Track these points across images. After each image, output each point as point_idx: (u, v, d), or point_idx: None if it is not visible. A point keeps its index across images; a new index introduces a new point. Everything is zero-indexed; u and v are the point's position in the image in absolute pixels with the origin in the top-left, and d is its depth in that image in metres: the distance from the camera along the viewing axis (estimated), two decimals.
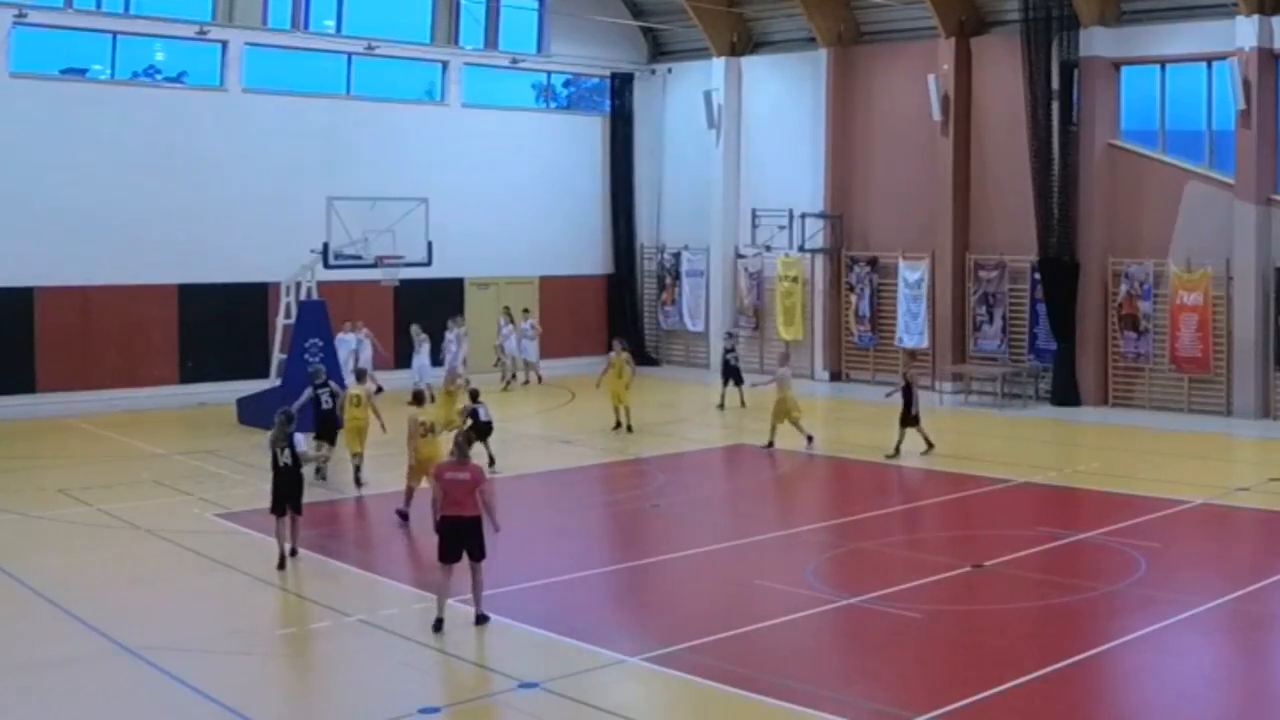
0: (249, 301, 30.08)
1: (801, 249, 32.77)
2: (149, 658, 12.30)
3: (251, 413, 25.54)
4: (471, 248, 32.90)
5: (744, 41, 35.05)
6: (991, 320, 30.04)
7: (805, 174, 33.31)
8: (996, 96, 29.77)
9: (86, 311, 28.62)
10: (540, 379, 32.66)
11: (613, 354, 26.35)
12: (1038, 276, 28.84)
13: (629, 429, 25.48)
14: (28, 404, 27.47)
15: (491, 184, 34.00)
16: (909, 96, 31.02)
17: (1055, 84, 28.05)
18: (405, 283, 27.72)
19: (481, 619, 13.23)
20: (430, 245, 26.60)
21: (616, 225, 36.94)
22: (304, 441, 16.31)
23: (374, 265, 26.14)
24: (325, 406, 20.69)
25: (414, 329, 29.65)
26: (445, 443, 20.60)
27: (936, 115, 30.28)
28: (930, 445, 22.74)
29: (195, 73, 31.09)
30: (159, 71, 30.90)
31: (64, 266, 28.11)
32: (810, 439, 23.60)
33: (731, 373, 28.78)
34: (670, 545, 17.27)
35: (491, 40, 34.83)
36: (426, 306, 30.99)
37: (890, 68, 32.00)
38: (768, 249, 33.12)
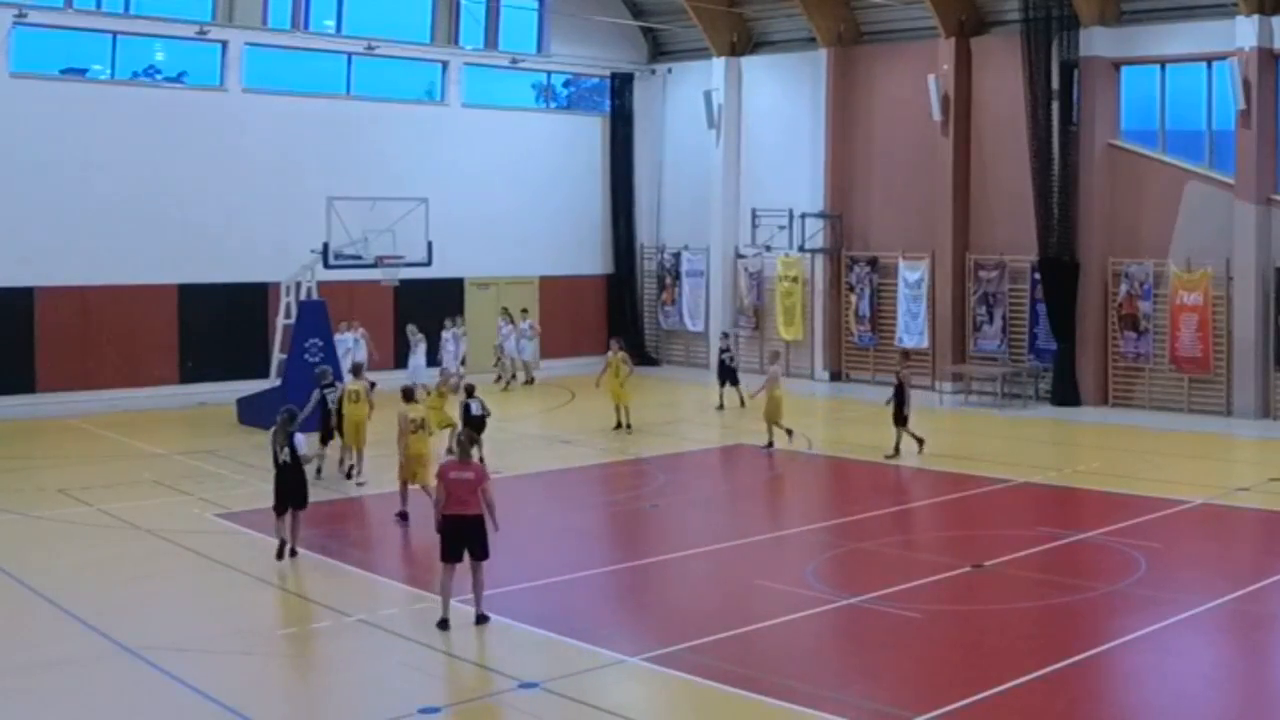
0: (249, 301, 30.09)
1: (801, 249, 32.77)
2: (149, 658, 12.30)
3: (251, 413, 25.55)
4: (471, 248, 32.90)
5: (744, 41, 35.05)
6: (991, 320, 30.05)
7: (805, 174, 33.31)
8: (996, 96, 29.77)
9: (86, 311, 28.62)
10: (532, 380, 32.66)
11: (610, 354, 26.40)
12: (1038, 276, 28.84)
13: (628, 428, 25.50)
14: (28, 404, 27.47)
15: (491, 184, 34.00)
16: (909, 96, 31.02)
17: (1055, 84, 28.05)
18: (405, 283, 27.72)
19: (482, 619, 13.23)
20: (430, 245, 26.61)
21: (616, 225, 36.95)
22: (305, 443, 16.30)
23: (374, 265, 26.14)
24: (332, 408, 20.80)
25: (410, 329, 29.68)
26: (439, 441, 20.77)
27: (936, 115, 30.28)
28: (920, 442, 22.71)
29: (195, 73, 31.09)
30: (159, 71, 30.90)
31: (64, 266, 28.11)
32: (790, 432, 23.62)
33: (727, 373, 28.81)
34: (670, 545, 17.28)
35: (491, 40, 34.83)
36: (426, 306, 30.99)
37: (890, 68, 32.01)
38: (768, 249, 33.13)
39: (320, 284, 26.63)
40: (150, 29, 29.73)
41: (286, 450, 15.94)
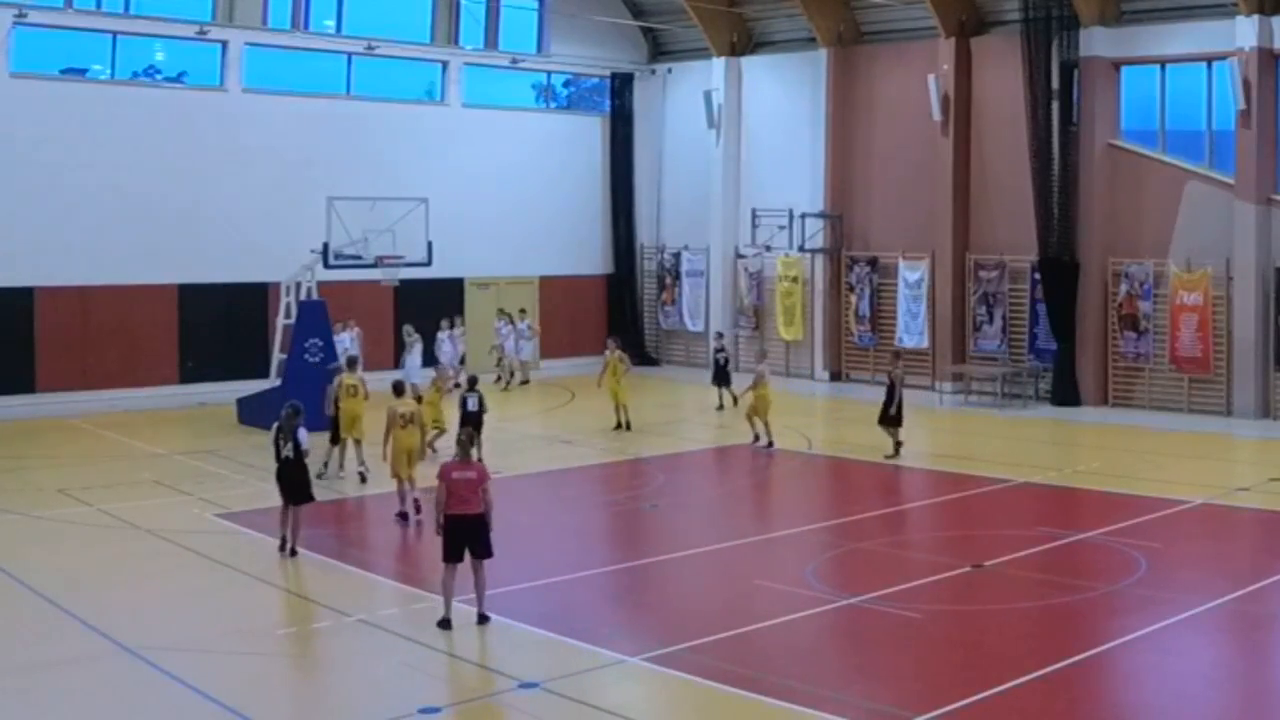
0: (249, 301, 30.09)
1: (801, 249, 32.77)
2: (149, 658, 12.30)
3: (251, 413, 25.56)
4: (471, 248, 32.91)
5: (744, 41, 35.05)
6: (991, 320, 30.05)
7: (805, 174, 33.31)
8: (996, 96, 29.77)
9: (86, 311, 28.62)
10: (527, 380, 32.66)
11: (607, 353, 26.43)
12: (1038, 276, 28.84)
13: (628, 427, 25.52)
14: (28, 404, 27.47)
15: (491, 184, 34.00)
16: (909, 96, 31.02)
17: (1055, 84, 28.05)
18: (405, 283, 27.73)
19: (483, 619, 13.23)
20: (430, 245, 26.61)
21: (616, 225, 36.94)
22: (308, 439, 16.31)
23: (374, 265, 26.15)
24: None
25: (406, 329, 29.72)
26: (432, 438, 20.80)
27: (936, 115, 30.28)
28: (897, 447, 22.65)
29: (195, 73, 31.09)
30: (159, 71, 30.90)
31: (64, 266, 28.12)
32: (758, 438, 23.65)
33: (722, 374, 28.82)
34: (670, 545, 17.27)
35: (491, 40, 34.83)
36: (426, 306, 30.99)
37: (890, 68, 32.00)
38: (768, 249, 33.13)
39: (320, 284, 26.63)
40: (150, 29, 29.73)
41: (290, 445, 15.97)
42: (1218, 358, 26.79)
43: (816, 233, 32.85)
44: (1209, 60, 26.95)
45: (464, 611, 13.30)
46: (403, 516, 17.93)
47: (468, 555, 13.25)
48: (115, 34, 29.24)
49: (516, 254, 34.75)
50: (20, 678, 11.98)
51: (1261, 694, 11.71)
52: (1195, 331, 26.89)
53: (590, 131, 36.87)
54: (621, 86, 36.95)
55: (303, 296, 26.28)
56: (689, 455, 24.11)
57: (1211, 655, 12.88)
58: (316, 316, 25.59)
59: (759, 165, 34.55)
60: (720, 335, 31.17)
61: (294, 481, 16.08)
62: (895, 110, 31.70)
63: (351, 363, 21.95)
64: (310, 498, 16.34)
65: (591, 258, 36.79)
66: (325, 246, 25.48)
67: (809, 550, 16.85)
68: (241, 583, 15.17)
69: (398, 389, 19.10)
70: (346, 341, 27.54)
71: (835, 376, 32.98)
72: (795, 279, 33.52)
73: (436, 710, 11.20)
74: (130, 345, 29.12)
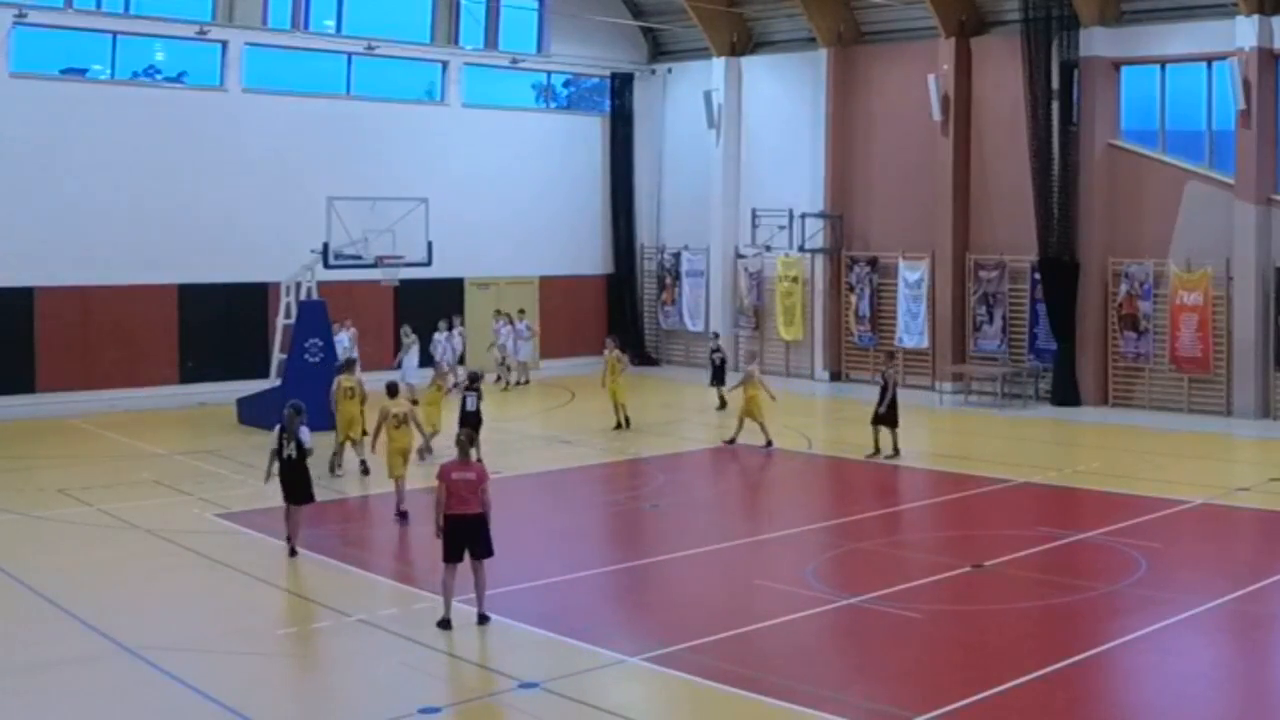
0: (249, 301, 30.09)
1: (801, 249, 32.77)
2: (149, 658, 12.30)
3: (251, 413, 25.56)
4: (471, 248, 32.91)
5: (744, 41, 35.05)
6: (991, 320, 30.05)
7: (805, 174, 33.31)
8: (996, 96, 29.77)
9: (86, 311, 28.62)
10: (527, 380, 32.64)
11: (606, 352, 26.46)
12: (1038, 276, 28.84)
13: (626, 424, 25.58)
14: (28, 404, 27.47)
15: (491, 184, 34.01)
16: (909, 96, 31.02)
17: (1055, 84, 28.04)
18: (405, 283, 27.73)
19: (483, 619, 13.23)
20: (430, 245, 26.61)
21: (616, 225, 36.95)
22: (310, 438, 16.31)
23: (374, 265, 26.15)
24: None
25: (404, 330, 29.74)
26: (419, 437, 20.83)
27: (936, 115, 30.28)
28: (877, 451, 22.61)
29: (195, 73, 31.09)
30: (159, 71, 30.90)
31: (64, 266, 28.12)
32: (732, 440, 23.67)
33: (718, 374, 28.82)
34: (670, 545, 17.27)
35: (491, 40, 34.83)
36: (426, 306, 30.99)
37: (890, 68, 32.00)
38: (768, 249, 33.12)
39: (320, 284, 26.63)
40: (150, 29, 29.73)
41: (293, 445, 15.98)
42: (1218, 358, 26.79)
43: (816, 233, 32.85)
44: (1209, 60, 26.95)
45: (464, 611, 13.30)
46: (402, 515, 17.94)
47: (467, 555, 13.25)
48: (115, 34, 29.24)
49: (516, 254, 34.75)
50: (20, 678, 11.98)
51: (1261, 694, 11.72)
52: (1195, 331, 26.89)
53: (590, 131, 36.87)
54: (621, 86, 36.95)
55: (303, 296, 26.27)
56: (689, 455, 24.12)
57: (1211, 655, 12.88)
58: (316, 316, 25.58)
59: (759, 165, 34.55)
60: (716, 336, 31.17)
61: (295, 481, 16.08)
62: (895, 110, 31.69)
63: (349, 364, 21.98)
64: (310, 498, 16.37)
65: (591, 258, 36.79)
66: (325, 246, 25.48)
67: (809, 550, 16.85)
68: (241, 583, 15.17)
69: (391, 390, 19.14)
70: (346, 341, 27.59)
71: (835, 376, 32.97)
72: (795, 279, 33.52)
73: (436, 710, 11.20)
74: (130, 345, 29.12)
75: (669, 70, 37.01)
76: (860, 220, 32.68)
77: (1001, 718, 11.05)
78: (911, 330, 31.35)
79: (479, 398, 21.77)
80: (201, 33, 30.10)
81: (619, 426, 25.67)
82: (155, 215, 29.15)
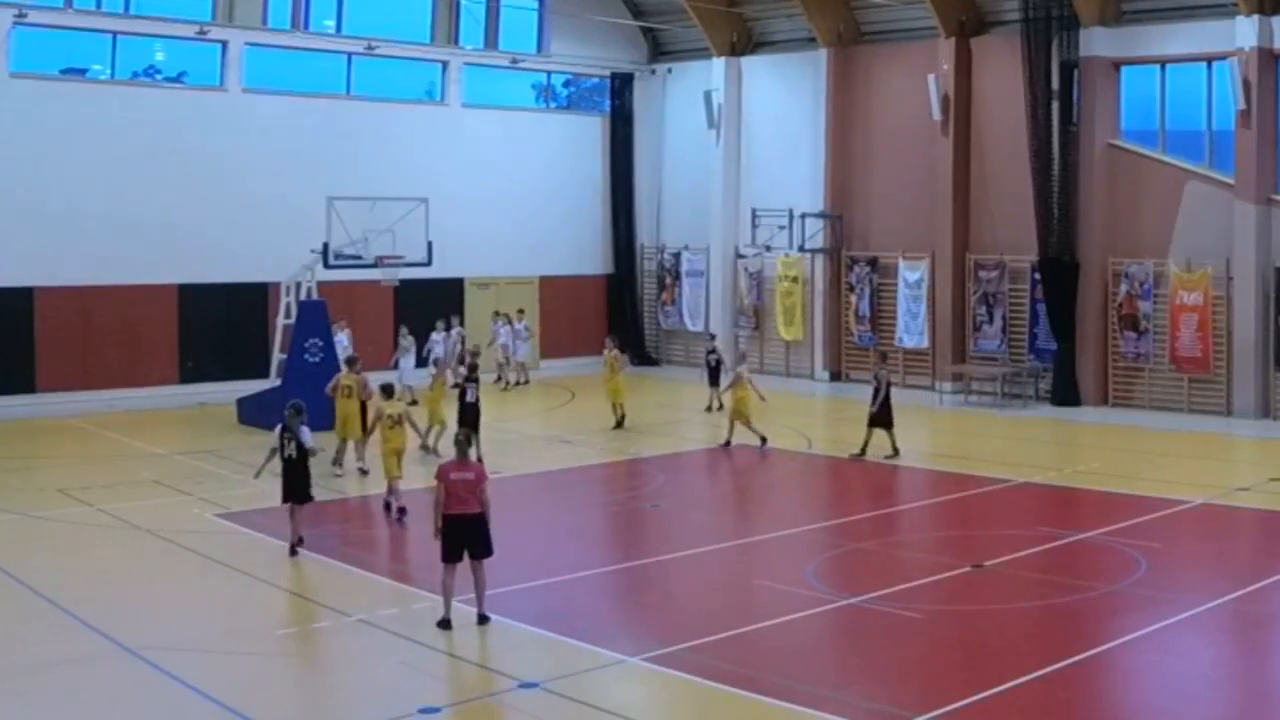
0: (249, 301, 30.10)
1: (801, 249, 32.77)
2: (149, 658, 12.30)
3: (251, 413, 25.56)
4: (471, 248, 32.91)
5: (744, 41, 35.05)
6: (991, 320, 30.05)
7: (805, 174, 33.31)
8: (996, 96, 29.77)
9: (86, 311, 28.62)
10: (525, 380, 32.64)
11: (605, 351, 26.47)
12: (1038, 276, 28.83)
13: (621, 422, 25.58)
14: (28, 404, 27.47)
15: (491, 184, 34.01)
16: (909, 96, 31.02)
17: (1055, 84, 28.04)
18: (405, 283, 27.74)
19: (483, 619, 13.23)
20: (430, 245, 26.62)
21: (616, 225, 36.95)
22: (311, 437, 16.31)
23: (374, 265, 26.16)
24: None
25: (401, 330, 29.75)
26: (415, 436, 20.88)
27: (936, 115, 30.28)
28: (863, 453, 22.58)
29: (195, 73, 31.09)
30: (159, 71, 30.91)
31: (64, 266, 28.11)
32: (727, 444, 23.64)
33: (711, 375, 28.79)
34: (670, 545, 17.27)
35: (491, 40, 34.83)
36: (426, 307, 30.98)
37: (890, 68, 32.00)
38: (768, 249, 33.13)
39: (320, 284, 26.63)
40: (150, 29, 29.73)
41: (293, 444, 15.99)
42: (1218, 358, 26.79)
43: (816, 233, 32.85)
44: (1209, 60, 26.95)
45: (464, 611, 13.30)
46: (402, 511, 17.96)
47: (466, 555, 13.25)
48: (115, 34, 29.24)
49: (516, 254, 34.75)
50: (20, 678, 11.97)
51: (1261, 694, 11.72)
52: (1195, 331, 26.89)
53: (590, 131, 36.87)
54: (621, 86, 36.95)
55: (303, 296, 26.28)
56: (689, 455, 24.12)
57: (1211, 655, 12.87)
58: (316, 316, 25.59)
59: (759, 165, 34.54)
60: (713, 338, 31.10)
61: (295, 481, 16.10)
62: (895, 110, 31.69)
63: (350, 363, 22.00)
64: (310, 498, 16.38)
65: (591, 258, 36.79)
66: (325, 246, 25.48)
67: (809, 550, 16.85)
68: (241, 583, 15.17)
69: (387, 391, 19.16)
70: (345, 341, 27.60)
71: (835, 376, 32.97)
72: (795, 279, 33.52)
73: (436, 710, 11.20)
74: (130, 345, 29.13)
75: (669, 70, 37.01)
76: (860, 220, 32.68)
77: (1001, 718, 11.06)
78: (911, 330, 31.35)
79: (477, 389, 21.84)
80: (201, 33, 30.11)
81: (618, 426, 25.67)
82: (155, 215, 29.14)
